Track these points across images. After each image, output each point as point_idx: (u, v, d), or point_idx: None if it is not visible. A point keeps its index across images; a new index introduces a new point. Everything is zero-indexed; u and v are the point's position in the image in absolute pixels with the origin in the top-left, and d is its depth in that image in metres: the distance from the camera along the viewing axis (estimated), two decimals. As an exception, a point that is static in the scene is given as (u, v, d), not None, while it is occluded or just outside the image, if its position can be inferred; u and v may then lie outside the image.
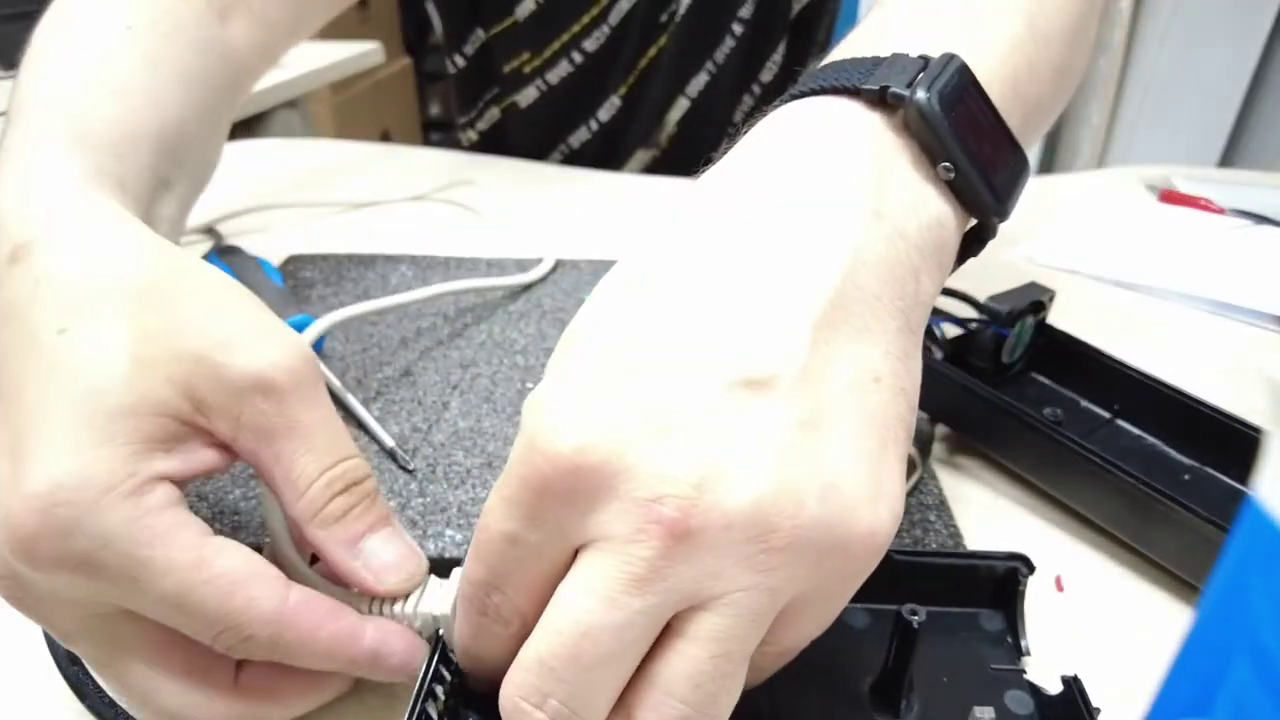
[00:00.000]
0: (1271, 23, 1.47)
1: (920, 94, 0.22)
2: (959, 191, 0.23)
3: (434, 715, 0.23)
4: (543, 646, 0.19)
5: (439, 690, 0.23)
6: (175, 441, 0.22)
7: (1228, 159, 1.59)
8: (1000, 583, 0.28)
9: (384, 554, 0.24)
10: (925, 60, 0.24)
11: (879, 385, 0.20)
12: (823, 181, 0.22)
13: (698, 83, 0.71)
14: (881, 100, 0.23)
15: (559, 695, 0.19)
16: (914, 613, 0.23)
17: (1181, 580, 0.31)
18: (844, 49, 0.27)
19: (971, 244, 0.26)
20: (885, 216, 0.22)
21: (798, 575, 0.19)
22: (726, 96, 0.72)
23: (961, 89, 0.23)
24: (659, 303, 0.21)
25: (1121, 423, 0.36)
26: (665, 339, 0.20)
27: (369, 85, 2.09)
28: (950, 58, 0.24)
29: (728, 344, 0.19)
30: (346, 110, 2.01)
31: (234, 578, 0.21)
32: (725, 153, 0.24)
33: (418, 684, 0.23)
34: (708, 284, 0.20)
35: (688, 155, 0.75)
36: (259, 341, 0.23)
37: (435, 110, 2.61)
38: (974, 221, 0.25)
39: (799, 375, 0.19)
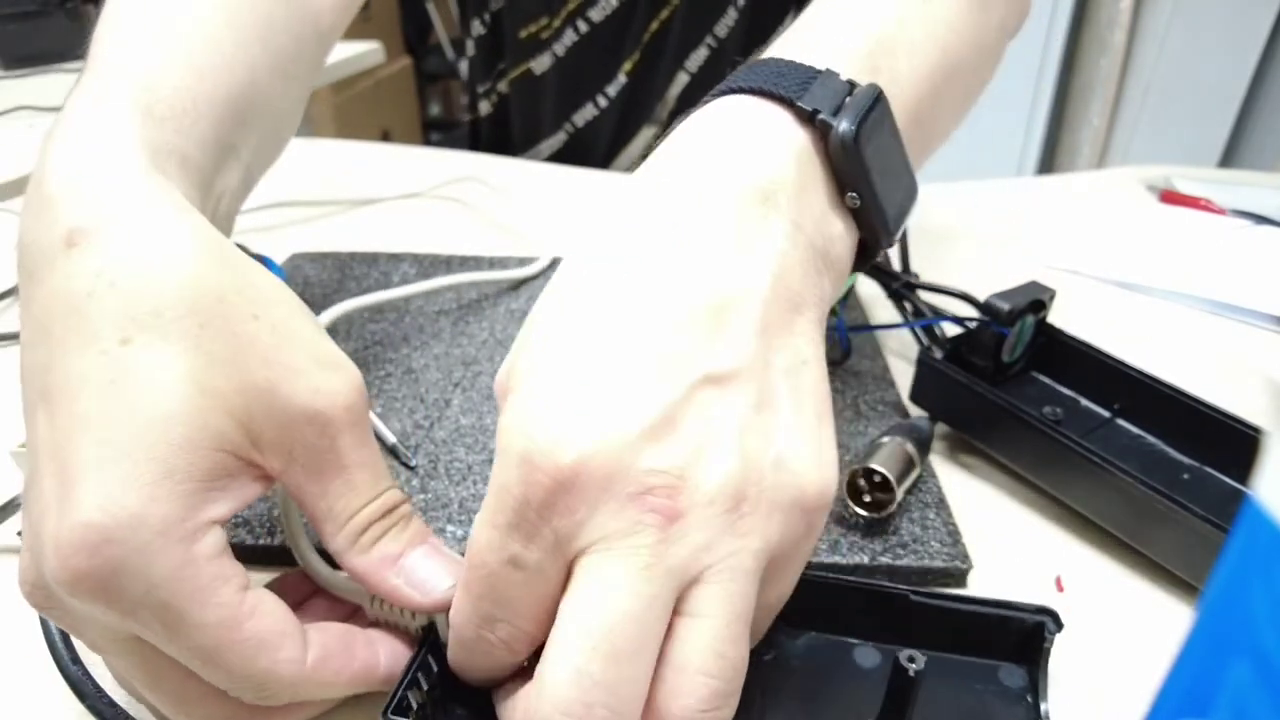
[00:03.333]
0: (1271, 23, 1.47)
1: (844, 125, 0.24)
2: (858, 217, 0.26)
3: (414, 703, 0.23)
4: (575, 657, 0.19)
5: (422, 679, 0.24)
6: (229, 478, 0.22)
7: (1228, 159, 1.59)
8: (1026, 636, 0.26)
9: (424, 568, 0.24)
10: (851, 86, 0.26)
11: (807, 367, 0.23)
12: (754, 192, 0.24)
13: (698, 57, 0.71)
14: (809, 119, 0.25)
15: (602, 701, 0.19)
16: (912, 660, 0.22)
17: (1181, 580, 0.31)
18: (784, 44, 0.29)
19: (860, 259, 0.28)
20: (802, 228, 0.24)
21: (770, 534, 0.21)
22: (728, 73, 0.72)
23: (877, 123, 0.26)
24: (615, 310, 0.22)
25: (1121, 422, 0.36)
26: (628, 346, 0.21)
27: (369, 85, 2.09)
28: (874, 89, 0.26)
29: (687, 345, 0.21)
30: (346, 110, 2.01)
31: (263, 639, 0.21)
32: (662, 143, 0.26)
33: (403, 672, 0.23)
34: (657, 291, 0.22)
35: None
36: (320, 374, 0.23)
37: (435, 110, 2.61)
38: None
39: (749, 366, 0.22)
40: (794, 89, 0.25)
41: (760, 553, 0.21)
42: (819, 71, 0.26)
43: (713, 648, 0.20)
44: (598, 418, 0.20)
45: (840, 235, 0.26)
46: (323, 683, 0.23)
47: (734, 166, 0.24)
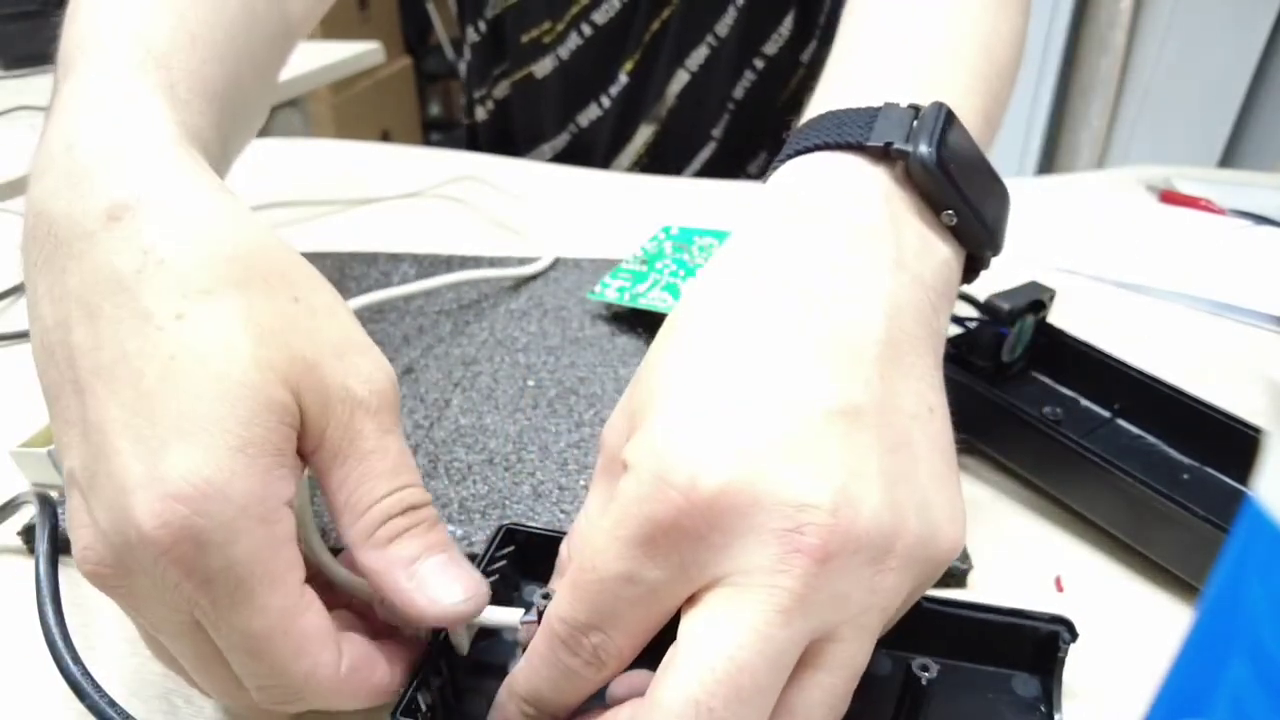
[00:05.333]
0: (1271, 23, 1.47)
1: (922, 149, 0.24)
2: (959, 234, 0.25)
3: (424, 705, 0.23)
4: (696, 688, 0.18)
5: (432, 681, 0.24)
6: (290, 454, 0.22)
7: (1228, 159, 1.59)
8: (1040, 645, 0.25)
9: (439, 577, 0.23)
10: (916, 110, 0.25)
11: (933, 415, 0.22)
12: (852, 241, 0.23)
13: (698, 55, 0.71)
14: (885, 154, 0.25)
15: None
16: (925, 669, 0.22)
17: (1181, 580, 0.31)
18: (830, 97, 0.28)
19: (967, 274, 0.27)
20: (905, 266, 0.23)
21: (901, 593, 0.20)
22: (726, 71, 0.72)
23: (954, 138, 0.25)
24: (743, 346, 0.21)
25: (1121, 422, 0.36)
26: (758, 378, 0.20)
27: (369, 85, 2.09)
28: (940, 107, 0.25)
29: (816, 379, 0.20)
30: (346, 110, 2.01)
31: (310, 638, 0.21)
32: (758, 199, 0.26)
33: (413, 674, 0.23)
34: (781, 332, 0.21)
35: (687, 130, 0.75)
36: (357, 358, 0.23)
37: (435, 110, 2.61)
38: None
39: (877, 405, 0.20)
40: (859, 132, 0.25)
41: (888, 611, 0.20)
42: (878, 108, 0.26)
43: (831, 704, 0.20)
44: (740, 443, 0.19)
45: (947, 260, 0.25)
46: (348, 694, 0.22)
47: (829, 219, 0.24)
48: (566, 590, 0.21)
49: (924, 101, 0.26)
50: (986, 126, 0.30)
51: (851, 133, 0.25)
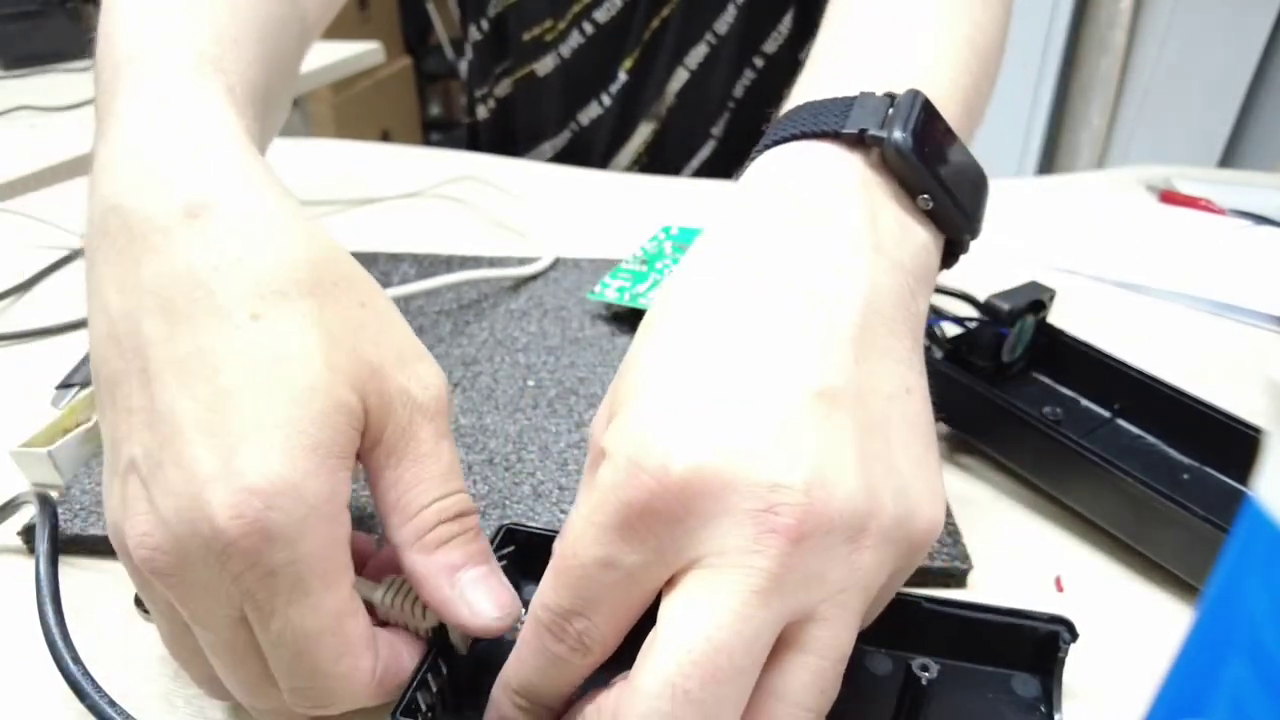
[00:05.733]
0: (1271, 23, 1.47)
1: (896, 134, 0.24)
2: (936, 217, 0.26)
3: (423, 705, 0.23)
4: (673, 669, 0.18)
5: (432, 681, 0.24)
6: (352, 457, 0.22)
7: (1228, 159, 1.59)
8: (1040, 645, 0.25)
9: (481, 588, 0.23)
10: (891, 98, 0.26)
11: (911, 395, 0.22)
12: (829, 227, 0.23)
13: (697, 54, 0.71)
14: (860, 141, 0.25)
15: (693, 718, 0.18)
16: (925, 669, 0.22)
17: (1181, 580, 0.31)
18: (810, 86, 0.29)
19: (945, 259, 0.27)
20: (883, 250, 0.23)
21: (881, 572, 0.20)
22: (726, 69, 0.72)
23: (928, 123, 0.25)
24: (718, 333, 0.21)
25: (1121, 422, 0.36)
26: (732, 363, 0.21)
27: (369, 85, 2.09)
28: (915, 94, 0.26)
29: (791, 362, 0.21)
30: (346, 110, 2.01)
31: (354, 640, 0.22)
32: (735, 192, 0.26)
33: (413, 674, 0.23)
34: (757, 318, 0.22)
35: (688, 127, 0.75)
36: (417, 363, 0.24)
37: (435, 110, 2.61)
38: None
39: (855, 388, 0.21)
40: (835, 120, 0.25)
41: (870, 589, 0.20)
42: (854, 97, 0.26)
43: (816, 684, 0.20)
44: (713, 426, 0.19)
45: (925, 244, 0.25)
46: (378, 696, 0.23)
47: (805, 206, 0.24)
48: (549, 577, 0.21)
49: (901, 90, 0.26)
50: (967, 116, 0.30)
51: (827, 121, 0.25)
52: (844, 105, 0.26)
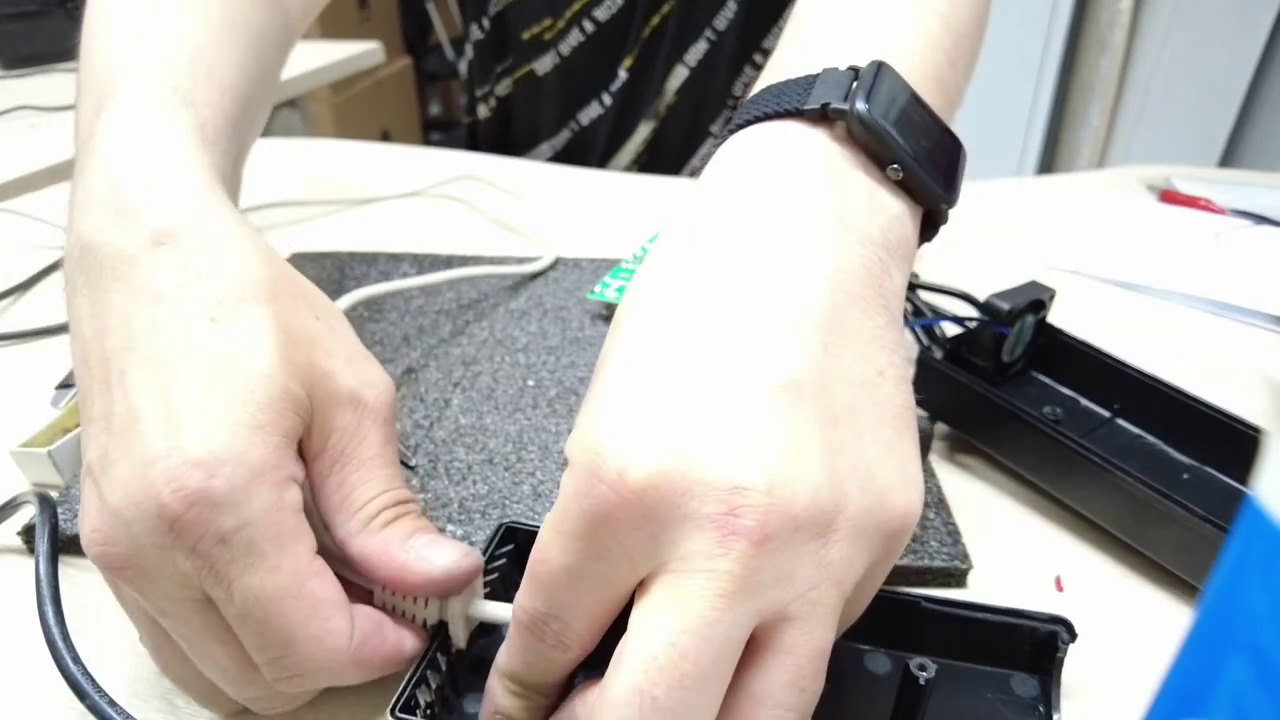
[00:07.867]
0: (1271, 23, 1.47)
1: (859, 105, 0.24)
2: (909, 187, 0.25)
3: (422, 701, 0.23)
4: (640, 677, 0.18)
5: (431, 678, 0.24)
6: (295, 442, 0.24)
7: (1228, 159, 1.59)
8: (1039, 645, 0.25)
9: (434, 548, 0.24)
10: (855, 71, 0.25)
11: (883, 378, 0.22)
12: (790, 206, 0.23)
13: (697, 51, 0.71)
14: (823, 116, 0.24)
15: None
16: (923, 668, 0.22)
17: (1181, 580, 0.31)
18: (775, 70, 0.28)
19: (925, 230, 0.27)
20: (850, 225, 0.23)
21: (855, 565, 0.20)
22: (726, 66, 0.72)
23: (893, 92, 0.25)
24: (676, 331, 0.21)
25: (1121, 422, 0.36)
26: (691, 362, 0.20)
27: (369, 85, 2.09)
28: (878, 65, 0.25)
29: (754, 353, 0.20)
30: (346, 110, 2.01)
31: (320, 602, 0.23)
32: (696, 183, 0.26)
33: (412, 670, 0.23)
34: (716, 312, 0.21)
35: (687, 125, 0.75)
36: (366, 370, 0.26)
37: (435, 110, 2.61)
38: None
39: (820, 377, 0.20)
40: (797, 99, 0.25)
41: (844, 586, 0.20)
42: (817, 74, 0.26)
43: (795, 683, 0.19)
44: (670, 429, 0.19)
45: (898, 215, 0.24)
46: (362, 664, 0.23)
47: (764, 192, 0.23)
48: (525, 581, 0.22)
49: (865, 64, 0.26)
50: (942, 93, 0.30)
51: (790, 100, 0.25)
52: (807, 83, 0.25)
